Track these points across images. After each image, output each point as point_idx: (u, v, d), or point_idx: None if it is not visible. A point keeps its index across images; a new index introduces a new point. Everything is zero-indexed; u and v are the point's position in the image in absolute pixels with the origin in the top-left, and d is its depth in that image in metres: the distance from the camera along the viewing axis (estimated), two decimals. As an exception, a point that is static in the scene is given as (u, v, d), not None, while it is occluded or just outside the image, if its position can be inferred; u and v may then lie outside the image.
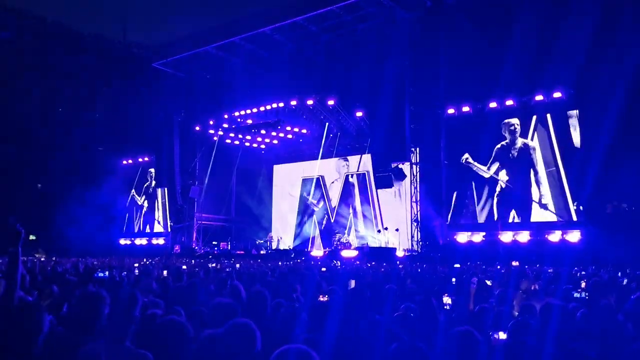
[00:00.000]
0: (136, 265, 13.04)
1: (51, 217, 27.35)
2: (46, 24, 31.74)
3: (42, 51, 29.76)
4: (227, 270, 9.52)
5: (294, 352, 1.97)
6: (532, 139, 19.89)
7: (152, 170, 31.50)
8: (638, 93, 16.16)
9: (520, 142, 20.15)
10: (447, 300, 5.22)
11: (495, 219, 20.33)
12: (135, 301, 3.45)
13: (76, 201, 27.52)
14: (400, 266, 14.11)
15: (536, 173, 19.68)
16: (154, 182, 31.26)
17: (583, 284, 7.24)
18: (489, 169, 20.72)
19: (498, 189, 20.56)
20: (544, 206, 19.43)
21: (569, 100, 18.99)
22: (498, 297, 5.57)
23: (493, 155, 20.68)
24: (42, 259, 17.41)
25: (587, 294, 5.75)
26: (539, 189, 19.60)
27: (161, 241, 29.40)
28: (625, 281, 8.50)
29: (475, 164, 20.97)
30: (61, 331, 3.17)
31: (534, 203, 19.64)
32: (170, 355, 2.60)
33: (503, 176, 20.47)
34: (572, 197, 18.79)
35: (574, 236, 18.20)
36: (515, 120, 20.27)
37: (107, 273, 6.93)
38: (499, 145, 20.62)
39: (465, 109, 20.94)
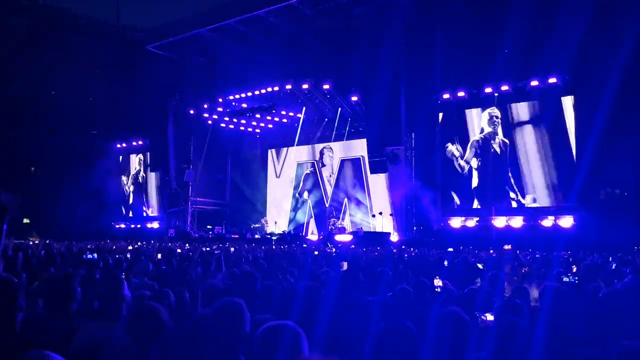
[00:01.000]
0: (130, 248, 13.06)
1: (45, 200, 27.28)
2: (38, 5, 31.30)
3: (35, 33, 29.41)
4: (217, 252, 9.54)
5: (280, 328, 1.98)
6: (516, 130, 19.92)
7: (141, 155, 31.46)
8: (633, 78, 16.16)
9: (500, 136, 20.19)
10: (438, 282, 5.26)
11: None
12: (120, 281, 3.46)
13: (70, 185, 27.43)
14: (394, 250, 14.19)
15: (515, 168, 19.81)
16: (147, 166, 31.17)
17: (574, 268, 7.31)
18: (467, 163, 20.82)
19: (475, 183, 20.67)
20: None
21: (564, 85, 18.97)
22: (489, 280, 5.62)
23: (471, 148, 20.68)
24: (36, 242, 17.40)
25: (576, 278, 5.81)
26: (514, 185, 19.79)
27: (155, 225, 29.40)
28: (614, 265, 8.58)
29: (458, 159, 20.94)
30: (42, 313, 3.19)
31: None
32: (152, 336, 2.61)
33: (480, 170, 20.52)
34: (560, 184, 18.95)
35: (567, 221, 18.32)
36: (497, 112, 20.26)
37: (95, 255, 6.91)
38: (476, 138, 20.57)
39: (461, 94, 20.89)
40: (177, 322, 2.94)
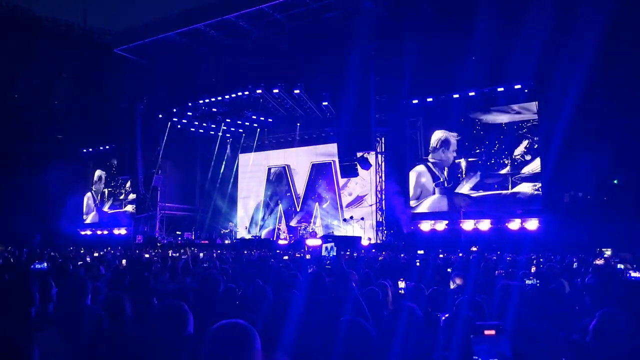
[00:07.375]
0: (96, 255, 12.76)
1: (8, 207, 26.42)
2: (1, 6, 30.47)
3: (-3, 35, 28.57)
4: (184, 257, 9.41)
5: (231, 326, 1.93)
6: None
7: (108, 160, 30.91)
8: (594, 84, 16.62)
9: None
10: (401, 284, 5.29)
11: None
12: (85, 291, 3.35)
13: (35, 191, 26.67)
14: (363, 253, 14.24)
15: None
16: (114, 172, 30.58)
17: (533, 269, 7.47)
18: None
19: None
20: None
21: (528, 91, 19.43)
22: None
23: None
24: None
25: (538, 281, 5.92)
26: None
27: (123, 231, 28.81)
28: (575, 265, 8.80)
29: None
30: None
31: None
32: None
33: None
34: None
35: (533, 224, 18.71)
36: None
37: (45, 265, 6.60)
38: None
39: (429, 99, 21.18)
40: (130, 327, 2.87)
